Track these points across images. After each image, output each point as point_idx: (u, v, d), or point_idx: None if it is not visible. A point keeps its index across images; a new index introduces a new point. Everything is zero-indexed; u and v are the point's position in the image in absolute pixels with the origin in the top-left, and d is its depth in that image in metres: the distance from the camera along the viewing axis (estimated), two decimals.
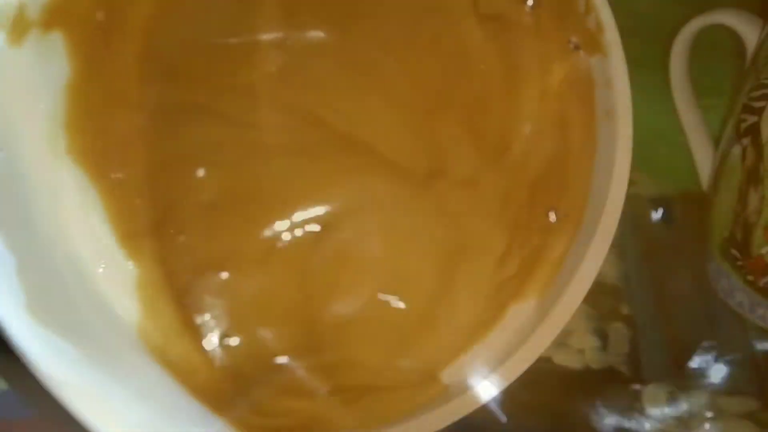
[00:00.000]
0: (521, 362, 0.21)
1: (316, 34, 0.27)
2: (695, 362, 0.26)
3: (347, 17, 0.26)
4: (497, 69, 0.25)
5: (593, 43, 0.22)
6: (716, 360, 0.26)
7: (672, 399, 0.25)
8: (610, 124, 0.22)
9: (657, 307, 0.29)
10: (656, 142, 0.33)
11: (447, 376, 0.23)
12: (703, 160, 0.31)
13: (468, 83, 0.26)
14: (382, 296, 0.25)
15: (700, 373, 0.26)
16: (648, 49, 0.34)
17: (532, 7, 0.24)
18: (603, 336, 0.27)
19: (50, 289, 0.23)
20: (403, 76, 0.27)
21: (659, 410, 0.25)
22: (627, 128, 0.22)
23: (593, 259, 0.22)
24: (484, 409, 0.21)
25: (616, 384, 0.26)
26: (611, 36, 0.21)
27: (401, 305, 0.25)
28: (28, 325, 0.21)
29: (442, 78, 0.26)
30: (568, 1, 0.22)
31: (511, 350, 0.22)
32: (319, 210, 0.26)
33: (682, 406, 0.25)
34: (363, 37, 0.27)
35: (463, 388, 0.22)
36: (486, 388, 0.21)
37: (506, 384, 0.21)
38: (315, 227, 0.25)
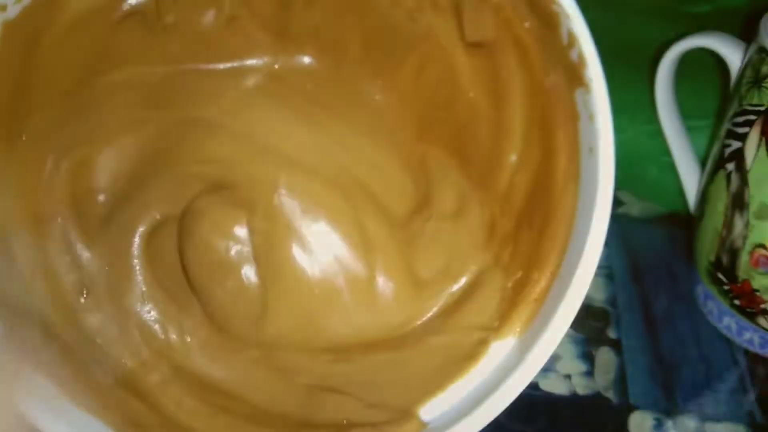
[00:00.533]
0: (502, 399, 0.21)
1: (306, 60, 0.27)
2: (683, 387, 0.26)
3: (336, 43, 0.26)
4: (484, 98, 0.25)
5: (575, 77, 0.21)
6: (704, 385, 0.26)
7: (659, 425, 0.25)
8: (593, 160, 0.21)
9: (645, 330, 0.28)
10: (644, 162, 0.33)
11: (425, 413, 0.23)
12: (690, 182, 0.31)
13: (455, 111, 0.26)
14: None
15: (688, 398, 0.26)
16: (634, 71, 0.34)
17: (516, 38, 0.23)
18: (590, 360, 0.27)
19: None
20: (390, 103, 0.27)
21: None
22: (609, 164, 0.21)
23: (575, 295, 0.21)
24: None
25: (603, 410, 0.26)
26: (594, 71, 0.21)
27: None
28: None
29: (429, 105, 0.26)
30: (551, 33, 0.22)
31: (492, 387, 0.22)
32: None
33: None
34: (351, 63, 0.27)
35: (444, 425, 0.22)
36: (468, 426, 0.21)
37: (487, 422, 0.21)
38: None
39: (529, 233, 0.24)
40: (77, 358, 0.24)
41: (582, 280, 0.21)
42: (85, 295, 0.25)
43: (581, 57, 0.21)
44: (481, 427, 0.21)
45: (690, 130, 0.32)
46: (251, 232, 0.25)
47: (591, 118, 0.21)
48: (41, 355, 0.23)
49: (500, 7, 0.23)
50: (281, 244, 0.26)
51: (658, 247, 0.32)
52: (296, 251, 0.26)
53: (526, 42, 0.23)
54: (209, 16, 0.26)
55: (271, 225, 0.26)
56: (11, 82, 0.23)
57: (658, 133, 0.32)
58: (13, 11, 0.22)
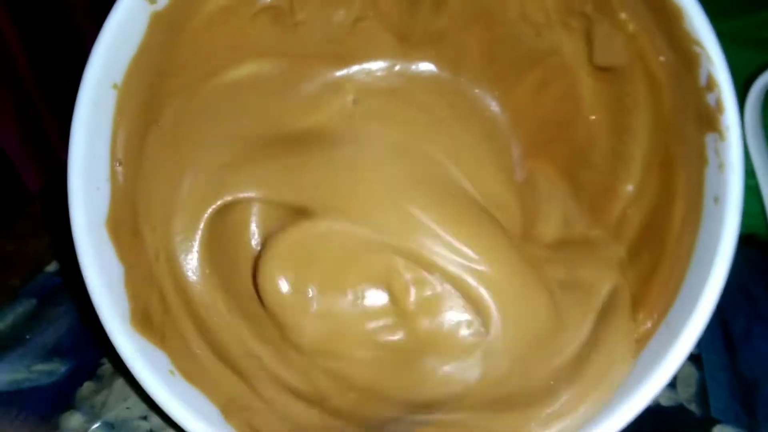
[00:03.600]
0: None
1: (425, 66, 0.27)
2: (764, 405, 0.28)
3: (458, 51, 0.27)
4: (605, 123, 0.25)
5: (709, 122, 0.21)
6: None
7: None
8: (718, 211, 0.21)
9: (724, 348, 0.30)
10: None
11: None
12: None
13: (573, 131, 0.26)
14: None
15: None
16: None
17: (647, 69, 0.23)
18: None
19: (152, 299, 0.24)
20: (504, 116, 0.27)
21: None
22: (735, 219, 0.20)
23: (683, 346, 0.21)
24: None
25: (686, 422, 0.27)
26: (732, 119, 0.20)
27: None
28: (131, 335, 0.23)
29: (545, 122, 0.27)
30: (688, 72, 0.21)
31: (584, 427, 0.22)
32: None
33: None
34: (470, 71, 0.27)
35: None
36: None
37: None
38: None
39: (635, 272, 0.24)
40: (191, 337, 0.25)
41: (692, 332, 0.21)
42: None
43: (720, 103, 0.21)
44: None
45: None
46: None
47: (721, 167, 0.21)
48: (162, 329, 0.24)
49: (635, 37, 0.23)
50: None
51: (735, 268, 0.33)
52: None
53: (659, 75, 0.23)
54: (339, 16, 0.26)
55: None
56: (153, 70, 0.24)
57: (744, 156, 0.33)
58: (161, 3, 0.23)
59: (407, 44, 0.27)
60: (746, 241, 0.35)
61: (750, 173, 0.33)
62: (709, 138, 0.21)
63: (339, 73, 0.27)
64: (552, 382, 0.24)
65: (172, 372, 0.23)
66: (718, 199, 0.21)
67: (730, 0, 0.38)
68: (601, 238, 0.26)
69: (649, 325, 0.23)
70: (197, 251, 0.26)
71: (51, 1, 0.32)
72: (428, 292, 0.26)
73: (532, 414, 0.23)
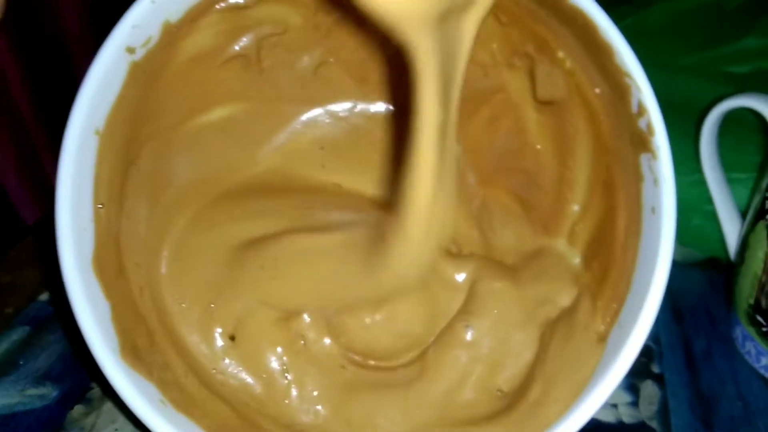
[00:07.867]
0: None
1: (382, 106, 0.29)
2: (722, 422, 0.28)
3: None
4: (550, 150, 0.27)
5: (642, 143, 0.23)
6: (742, 421, 0.28)
7: None
8: (656, 219, 0.23)
9: (686, 367, 0.31)
10: (687, 211, 0.36)
11: None
12: (731, 230, 0.33)
13: (522, 160, 0.28)
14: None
15: None
16: (680, 125, 0.36)
17: (585, 100, 0.25)
18: (635, 392, 0.30)
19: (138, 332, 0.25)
20: (458, 148, 0.29)
21: None
22: (671, 225, 0.23)
23: (634, 343, 0.22)
24: None
25: None
26: (661, 140, 0.23)
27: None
28: (122, 368, 0.24)
29: (496, 153, 0.28)
30: (621, 101, 0.23)
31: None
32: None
33: None
34: None
35: None
36: None
37: None
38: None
39: (588, 281, 0.26)
40: (178, 368, 0.26)
41: (641, 329, 0.22)
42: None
43: (650, 127, 0.23)
44: None
45: (731, 182, 0.34)
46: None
47: (656, 182, 0.23)
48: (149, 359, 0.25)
49: (573, 73, 0.25)
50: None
51: (697, 291, 0.34)
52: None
53: (595, 105, 0.25)
54: (302, 62, 0.28)
55: None
56: (132, 116, 0.25)
57: (702, 183, 0.34)
58: (140, 53, 0.24)
59: (366, 86, 0.29)
60: (708, 265, 0.36)
61: (708, 200, 0.34)
62: (644, 157, 0.23)
63: (305, 116, 0.29)
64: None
65: (163, 402, 0.24)
66: (654, 209, 0.23)
67: (694, 36, 0.40)
68: (556, 252, 0.27)
69: (602, 328, 0.24)
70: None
71: (52, 39, 0.34)
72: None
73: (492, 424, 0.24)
